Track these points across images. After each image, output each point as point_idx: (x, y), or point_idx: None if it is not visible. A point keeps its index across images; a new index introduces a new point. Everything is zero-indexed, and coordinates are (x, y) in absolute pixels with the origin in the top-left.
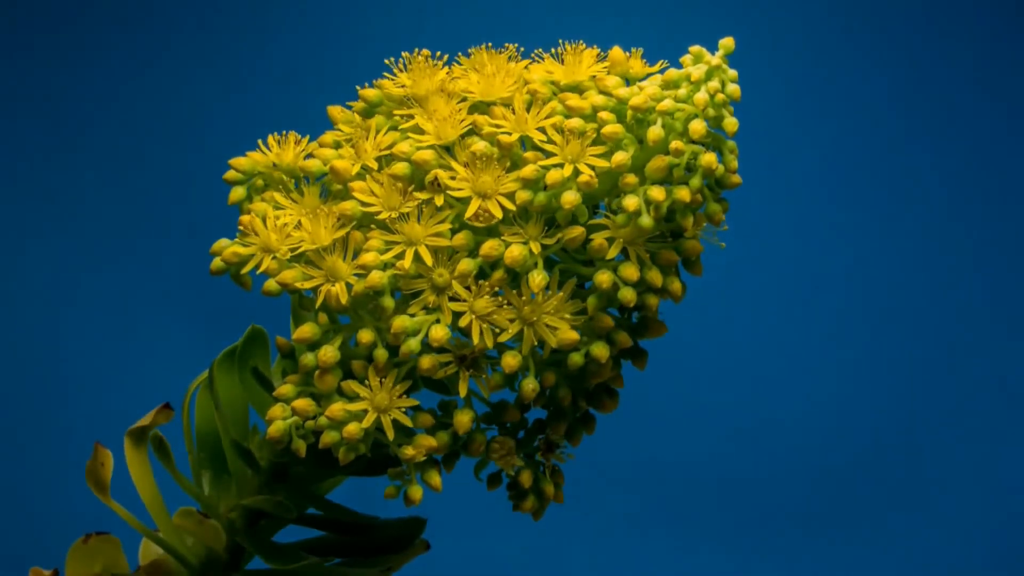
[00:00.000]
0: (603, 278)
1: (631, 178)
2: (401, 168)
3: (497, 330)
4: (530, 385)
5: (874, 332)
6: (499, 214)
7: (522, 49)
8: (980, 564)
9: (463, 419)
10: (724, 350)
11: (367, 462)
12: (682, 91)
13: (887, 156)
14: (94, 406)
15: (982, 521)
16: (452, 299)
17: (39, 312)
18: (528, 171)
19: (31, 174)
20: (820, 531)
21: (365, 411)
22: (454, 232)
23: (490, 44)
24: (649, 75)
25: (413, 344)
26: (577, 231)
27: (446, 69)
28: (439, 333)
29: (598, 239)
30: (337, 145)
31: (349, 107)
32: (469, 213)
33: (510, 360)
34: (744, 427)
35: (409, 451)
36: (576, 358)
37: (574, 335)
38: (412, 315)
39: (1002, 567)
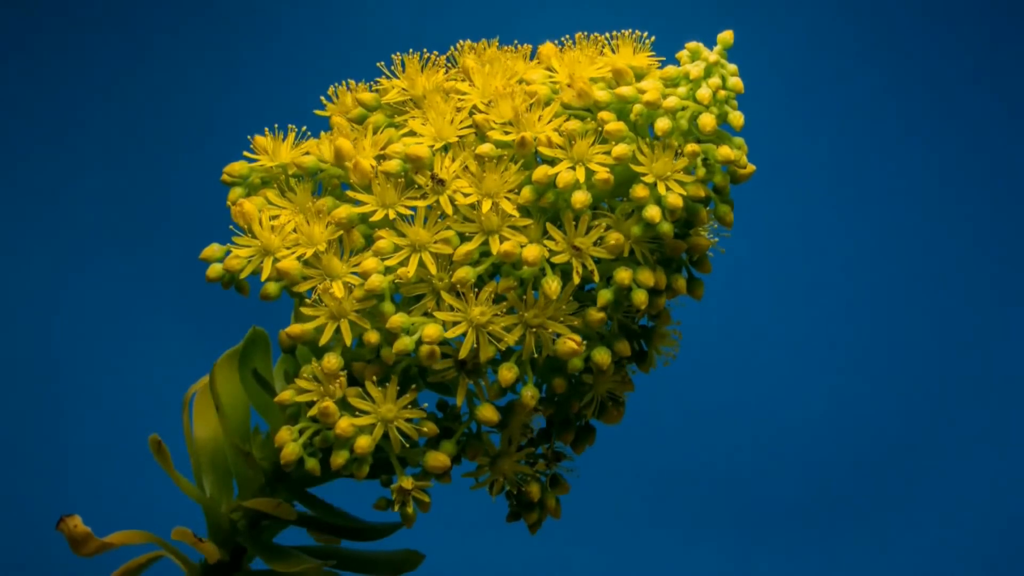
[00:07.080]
0: (623, 275)
1: (642, 191)
2: (394, 165)
3: (496, 340)
4: (529, 393)
5: (874, 331)
6: (515, 211)
7: (516, 43)
8: (980, 564)
9: (488, 414)
10: (724, 349)
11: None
12: (681, 89)
13: (887, 153)
14: (95, 408)
15: (982, 521)
16: (450, 307)
17: (38, 314)
18: (539, 172)
19: (29, 174)
20: (822, 531)
21: (373, 425)
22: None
23: (495, 41)
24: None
25: (408, 342)
26: (616, 236)
27: (443, 70)
28: (432, 331)
29: (615, 238)
30: None
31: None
32: (484, 211)
33: (506, 373)
34: (744, 427)
35: (407, 483)
36: (576, 363)
37: (574, 344)
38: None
39: (1002, 567)
